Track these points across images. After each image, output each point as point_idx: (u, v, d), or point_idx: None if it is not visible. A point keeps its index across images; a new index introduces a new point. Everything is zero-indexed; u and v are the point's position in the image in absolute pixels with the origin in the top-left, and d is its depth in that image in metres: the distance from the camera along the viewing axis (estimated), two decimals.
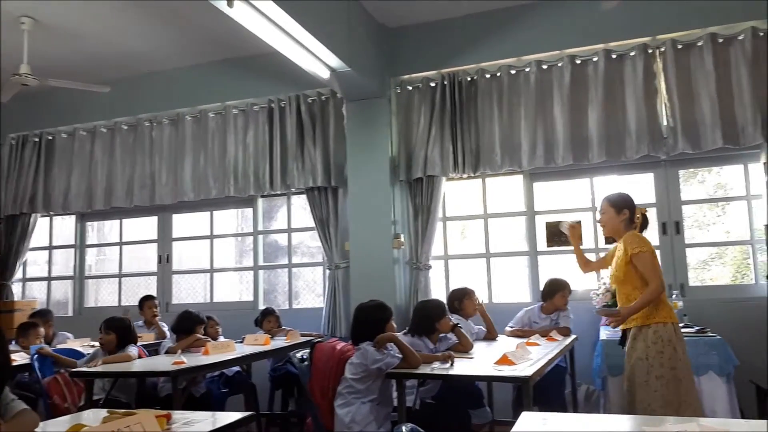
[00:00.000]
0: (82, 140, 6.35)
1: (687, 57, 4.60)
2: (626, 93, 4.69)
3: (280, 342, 4.52)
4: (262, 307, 5.83)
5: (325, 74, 4.60)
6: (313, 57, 4.33)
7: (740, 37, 4.47)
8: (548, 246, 4.91)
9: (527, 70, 4.96)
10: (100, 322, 3.90)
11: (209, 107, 5.91)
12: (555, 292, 4.34)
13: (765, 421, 1.69)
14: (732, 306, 4.44)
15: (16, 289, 6.49)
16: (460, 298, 4.16)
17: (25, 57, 4.84)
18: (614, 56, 4.76)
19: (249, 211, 6.06)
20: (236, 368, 4.57)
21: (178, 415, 2.09)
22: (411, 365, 2.96)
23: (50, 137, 6.47)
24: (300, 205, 5.86)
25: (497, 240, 5.28)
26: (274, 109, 5.63)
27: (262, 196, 5.93)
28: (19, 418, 1.95)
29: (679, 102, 4.54)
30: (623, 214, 3.20)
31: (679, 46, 4.60)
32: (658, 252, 4.71)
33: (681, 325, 4.16)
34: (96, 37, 5.28)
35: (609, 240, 3.45)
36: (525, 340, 3.73)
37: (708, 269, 5.08)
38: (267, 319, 4.98)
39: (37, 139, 6.48)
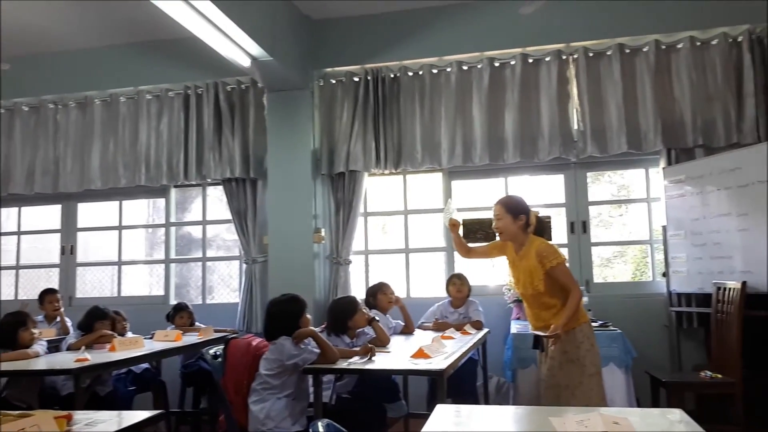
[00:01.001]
0: None
1: (597, 65, 4.85)
2: (541, 97, 4.88)
3: (192, 338, 4.37)
4: (173, 301, 5.61)
5: (245, 62, 4.49)
6: (234, 44, 4.21)
7: (645, 49, 4.76)
8: (467, 242, 5.05)
9: (448, 70, 5.06)
10: None
11: (120, 91, 5.62)
12: (448, 284, 4.57)
13: (658, 409, 1.81)
14: (632, 301, 4.74)
15: None
16: (374, 294, 4.21)
17: None
18: (531, 60, 4.94)
19: (161, 201, 5.82)
20: (145, 365, 4.38)
21: (81, 416, 1.98)
22: (329, 360, 2.95)
23: None
24: (216, 196, 5.69)
25: (417, 236, 5.36)
26: (191, 96, 5.43)
27: (176, 186, 5.71)
28: None
29: (589, 107, 4.78)
30: (519, 219, 3.16)
31: (591, 54, 4.84)
32: (565, 251, 5.01)
33: None
34: None
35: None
36: (440, 333, 3.82)
37: (611, 267, 5.40)
38: (179, 315, 4.80)
39: None
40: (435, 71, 5.10)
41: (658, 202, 4.86)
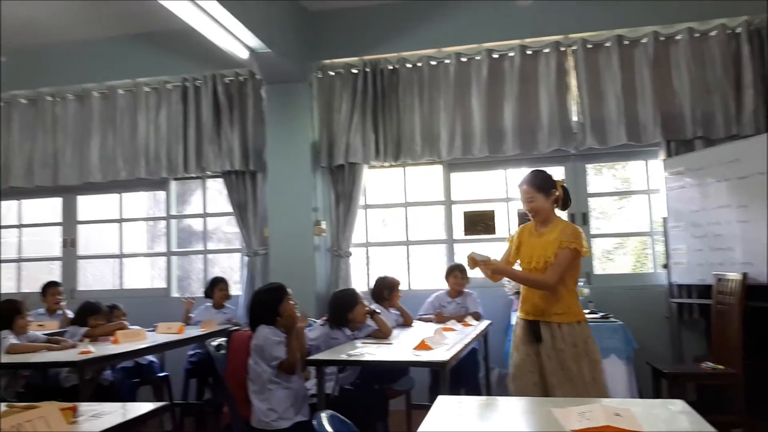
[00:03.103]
0: None
1: (596, 56, 4.84)
2: (540, 88, 4.88)
3: (194, 331, 4.39)
4: (175, 294, 5.65)
5: (243, 54, 4.48)
6: (232, 36, 4.20)
7: (644, 41, 4.75)
8: (466, 234, 5.07)
9: (447, 61, 5.05)
10: None
11: (119, 83, 5.60)
12: (449, 274, 4.56)
13: (659, 400, 1.83)
14: (632, 293, 4.75)
15: None
16: (390, 288, 4.23)
17: None
18: (529, 52, 4.93)
19: (161, 194, 5.82)
20: (150, 357, 4.40)
21: (86, 407, 1.99)
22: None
23: None
24: (216, 189, 5.69)
25: (416, 228, 5.37)
26: (189, 88, 5.42)
27: (176, 179, 5.71)
28: None
29: (588, 99, 4.78)
30: (552, 194, 2.99)
31: (589, 46, 4.83)
32: None
33: (587, 311, 4.44)
34: None
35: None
36: (442, 325, 3.84)
37: (611, 258, 5.42)
38: (218, 287, 4.82)
39: None
40: (434, 63, 5.09)
41: (658, 193, 4.87)
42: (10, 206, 6.16)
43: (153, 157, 5.47)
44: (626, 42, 4.79)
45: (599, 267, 5.12)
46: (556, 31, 4.83)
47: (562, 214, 3.19)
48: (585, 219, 5.03)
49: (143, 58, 5.48)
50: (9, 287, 5.99)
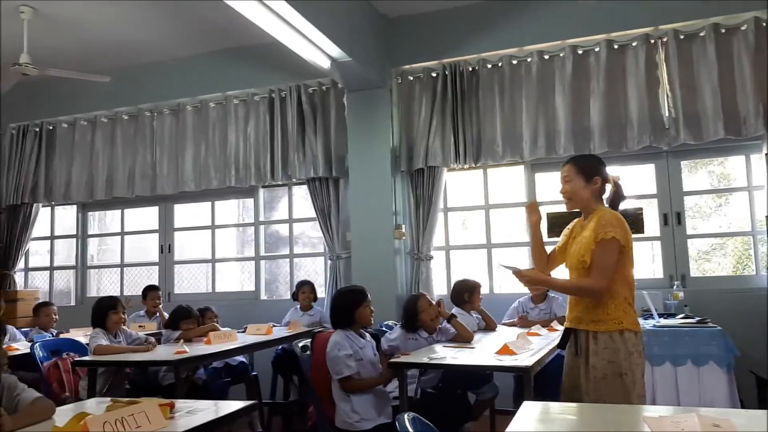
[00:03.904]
0: (82, 130, 6.35)
1: (689, 47, 4.58)
2: (628, 83, 4.68)
3: (282, 332, 4.54)
4: (264, 297, 5.86)
5: (325, 64, 4.59)
6: (314, 47, 4.32)
7: (743, 28, 4.45)
8: (549, 236, 4.93)
9: (529, 60, 4.95)
10: None
11: (210, 97, 5.90)
12: None
13: (765, 410, 1.70)
14: (732, 297, 4.44)
15: (18, 278, 6.52)
16: (470, 291, 4.17)
17: (25, 46, 4.82)
18: (616, 46, 4.74)
19: (250, 201, 6.07)
20: (240, 358, 4.59)
21: (182, 404, 2.11)
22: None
23: (51, 127, 6.47)
24: (301, 195, 5.86)
25: (498, 230, 5.28)
26: (275, 99, 5.62)
27: (263, 187, 5.93)
28: (34, 407, 1.97)
29: (681, 92, 4.53)
30: (594, 183, 2.56)
31: (682, 37, 4.58)
32: (658, 244, 4.78)
33: (681, 316, 4.20)
34: (96, 27, 5.26)
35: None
36: (526, 330, 3.75)
37: (709, 260, 5.09)
38: (302, 290, 5.00)
39: (37, 129, 6.47)
40: (515, 62, 5.00)
41: (761, 190, 4.53)
42: (114, 215, 6.64)
43: (242, 166, 5.71)
44: (723, 30, 4.49)
45: (696, 269, 4.82)
46: (645, 23, 4.61)
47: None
48: (679, 218, 4.76)
49: (232, 73, 5.75)
50: (113, 291, 6.44)
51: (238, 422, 2.14)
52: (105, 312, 3.77)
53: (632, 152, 4.72)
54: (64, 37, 5.39)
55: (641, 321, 4.05)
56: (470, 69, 5.09)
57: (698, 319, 4.02)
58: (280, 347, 4.74)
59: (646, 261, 4.94)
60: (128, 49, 5.75)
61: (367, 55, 4.82)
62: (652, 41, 4.65)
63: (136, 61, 6.01)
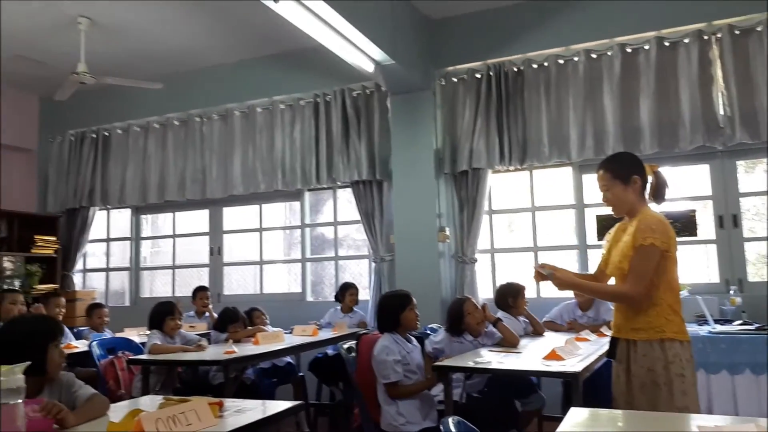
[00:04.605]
0: (136, 136, 6.57)
1: (745, 43, 4.41)
2: (680, 82, 4.53)
3: (327, 333, 4.59)
4: (310, 298, 5.94)
5: (369, 68, 4.62)
6: (358, 50, 4.35)
7: None
8: (599, 239, 4.82)
9: (576, 59, 4.86)
10: None
11: (257, 102, 6.01)
12: None
13: None
14: None
15: (77, 279, 6.80)
16: (515, 295, 4.11)
17: (82, 56, 5.03)
18: (667, 44, 4.60)
19: (296, 204, 6.15)
20: (287, 359, 4.66)
21: (230, 403, 2.16)
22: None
23: (106, 133, 6.72)
24: (346, 198, 5.91)
25: (545, 233, 5.20)
26: (320, 104, 5.69)
27: (309, 190, 6.01)
28: (92, 403, 2.06)
29: (736, 90, 4.36)
30: (633, 182, 2.44)
31: (737, 32, 4.41)
32: (713, 247, 4.60)
33: (739, 322, 4.03)
34: (148, 35, 5.45)
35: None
36: (574, 335, 3.68)
37: None
38: (349, 292, 5.07)
39: (94, 135, 6.73)
40: (561, 62, 4.91)
41: None
42: (166, 218, 6.84)
43: (288, 169, 5.80)
44: None
45: (754, 273, 4.63)
46: (697, 19, 4.47)
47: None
48: (736, 221, 4.58)
49: (278, 78, 5.85)
50: (165, 291, 6.64)
51: (285, 422, 2.18)
52: (163, 317, 3.90)
53: (685, 152, 4.58)
54: (118, 46, 5.60)
55: (695, 327, 3.93)
56: (515, 69, 5.03)
57: (757, 325, 3.85)
58: (320, 353, 4.78)
59: (701, 265, 4.77)
60: (179, 57, 5.93)
61: (410, 57, 4.82)
62: (706, 37, 4.50)
63: (186, 68, 6.19)
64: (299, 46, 5.44)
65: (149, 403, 2.25)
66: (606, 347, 3.31)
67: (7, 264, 6.44)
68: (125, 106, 6.51)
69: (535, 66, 4.99)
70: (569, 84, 4.86)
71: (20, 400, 1.56)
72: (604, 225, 4.63)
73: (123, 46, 5.61)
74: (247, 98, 6.02)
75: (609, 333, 3.83)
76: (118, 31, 5.32)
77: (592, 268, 4.35)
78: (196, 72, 6.22)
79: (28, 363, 1.64)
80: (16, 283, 6.31)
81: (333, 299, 5.29)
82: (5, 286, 6.06)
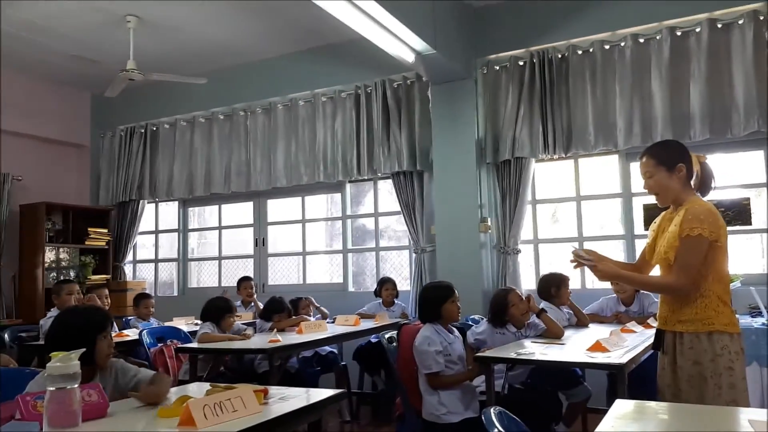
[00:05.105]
0: (182, 130, 6.73)
1: None
2: (733, 65, 4.36)
3: (369, 323, 4.63)
4: (351, 288, 5.99)
5: (410, 58, 4.60)
6: (398, 41, 4.34)
7: None
8: (646, 229, 4.69)
9: (622, 44, 4.72)
10: (202, 301, 4.14)
11: (299, 95, 6.07)
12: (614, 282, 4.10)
13: None
14: None
15: (128, 270, 7.04)
16: (558, 285, 4.03)
17: (131, 53, 5.18)
18: (720, 26, 4.43)
19: (338, 196, 6.20)
20: (329, 348, 4.72)
21: (275, 391, 2.20)
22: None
23: (154, 128, 6.91)
24: (386, 189, 5.92)
25: (591, 223, 5.09)
26: (361, 95, 5.70)
27: (350, 181, 6.04)
28: (160, 378, 2.21)
29: None
30: (678, 171, 2.35)
31: None
32: (766, 236, 4.42)
33: None
34: (193, 31, 5.57)
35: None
36: (620, 326, 3.61)
37: None
38: (385, 287, 5.11)
39: (143, 130, 6.94)
40: (607, 47, 4.79)
41: None
42: (212, 210, 7.00)
43: (330, 162, 5.84)
44: None
45: None
46: None
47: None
48: None
49: (320, 70, 5.89)
50: (212, 282, 6.81)
51: (328, 410, 2.21)
52: (222, 313, 3.97)
53: (738, 138, 4.40)
54: (165, 42, 5.74)
55: (748, 319, 3.79)
56: (559, 56, 4.93)
57: None
58: (365, 341, 4.82)
59: (755, 255, 4.59)
60: (223, 52, 6.04)
61: (451, 46, 4.78)
62: (762, 18, 4.30)
63: (231, 63, 6.30)
64: (340, 38, 5.47)
65: (197, 389, 2.31)
66: (652, 339, 3.25)
67: (63, 255, 6.73)
68: (172, 102, 6.68)
69: (579, 52, 4.88)
70: (616, 70, 4.73)
71: (76, 385, 1.63)
72: (650, 214, 4.50)
73: (169, 42, 5.75)
74: (290, 92, 6.08)
75: (656, 324, 3.76)
76: (164, 28, 5.46)
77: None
78: (240, 67, 6.33)
79: (83, 350, 1.71)
80: (72, 274, 6.59)
81: (374, 290, 5.31)
82: (61, 277, 6.35)
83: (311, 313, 4.93)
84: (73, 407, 1.61)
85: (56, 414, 1.58)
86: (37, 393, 1.76)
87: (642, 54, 4.66)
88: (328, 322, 4.47)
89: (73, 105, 7.08)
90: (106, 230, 6.87)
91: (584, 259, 2.42)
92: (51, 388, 1.59)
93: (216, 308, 4.00)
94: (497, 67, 5.17)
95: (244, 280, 5.52)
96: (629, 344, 3.01)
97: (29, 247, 6.38)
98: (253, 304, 5.39)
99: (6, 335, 4.73)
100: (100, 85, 6.18)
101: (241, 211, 6.74)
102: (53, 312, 4.42)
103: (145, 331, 4.34)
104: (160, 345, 4.20)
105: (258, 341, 3.82)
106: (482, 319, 3.88)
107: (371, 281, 6.00)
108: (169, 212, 7.19)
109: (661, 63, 4.56)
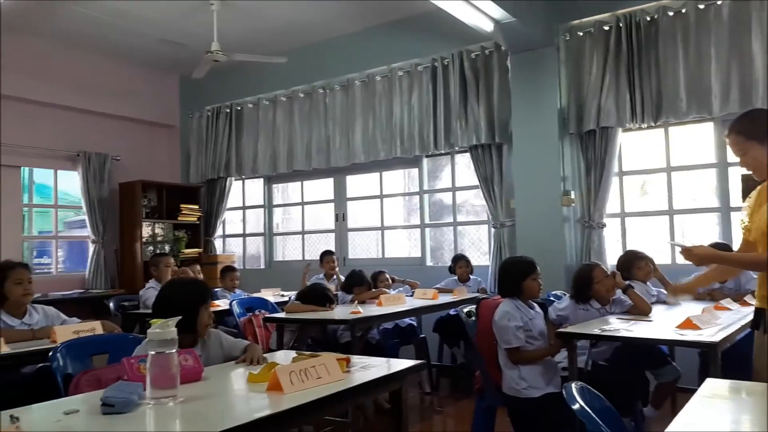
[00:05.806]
0: (265, 109, 6.93)
1: None
2: None
3: (448, 297, 4.65)
4: (429, 263, 6.01)
5: (488, 27, 4.50)
6: (476, 10, 4.25)
7: None
8: (744, 201, 4.40)
9: (719, 3, 4.40)
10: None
11: (376, 71, 6.08)
12: None
13: None
14: None
15: (218, 244, 7.40)
16: (628, 267, 3.88)
17: (215, 35, 5.37)
18: None
19: (415, 171, 6.21)
20: (409, 320, 4.78)
21: (357, 360, 2.27)
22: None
23: (239, 108, 7.16)
24: (464, 163, 5.86)
25: (682, 195, 4.83)
26: (438, 68, 5.64)
27: (427, 156, 6.02)
28: (253, 348, 2.38)
29: None
30: None
31: None
32: None
33: None
34: (274, 12, 5.69)
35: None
36: (713, 303, 3.43)
37: None
38: (459, 264, 5.14)
39: (228, 110, 7.20)
40: (701, 6, 4.47)
41: None
42: (295, 187, 7.21)
43: (407, 136, 5.85)
44: None
45: None
46: None
47: None
48: None
49: (396, 45, 5.87)
50: (296, 256, 7.03)
51: (408, 380, 2.25)
52: (323, 301, 3.99)
53: None
54: (246, 23, 5.90)
55: None
56: (648, 19, 4.66)
57: None
58: (444, 314, 4.84)
59: None
60: (301, 30, 6.14)
61: (531, 13, 4.62)
62: None
63: (308, 41, 6.40)
64: (416, 10, 5.42)
65: (283, 357, 2.42)
66: (749, 318, 3.07)
67: (159, 230, 7.17)
68: (254, 82, 6.88)
69: (671, 14, 4.59)
70: (711, 31, 4.42)
71: (174, 350, 1.75)
72: (749, 185, 4.20)
73: (250, 23, 5.91)
74: (367, 67, 6.11)
75: (753, 302, 3.54)
76: (245, 9, 5.61)
77: (735, 231, 4.01)
78: (318, 44, 6.41)
79: (179, 318, 1.83)
80: (167, 248, 7.01)
81: (449, 267, 5.31)
82: (158, 251, 6.77)
83: (390, 287, 5.01)
84: (171, 370, 1.73)
85: (157, 376, 1.71)
86: (140, 356, 1.91)
87: (741, 12, 4.31)
88: (407, 296, 4.53)
89: (163, 87, 7.45)
90: (197, 206, 7.24)
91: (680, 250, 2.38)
92: (152, 353, 1.72)
93: (315, 293, 4.07)
94: (581, 33, 4.96)
95: (326, 254, 5.67)
96: (723, 322, 2.86)
97: (128, 222, 6.84)
98: (335, 277, 5.53)
99: (111, 304, 5.12)
100: (187, 68, 6.45)
101: (323, 187, 6.89)
102: (152, 283, 4.74)
103: (235, 301, 4.57)
104: (249, 315, 4.41)
105: (340, 312, 3.93)
106: (564, 294, 3.79)
107: (449, 255, 5.97)
108: (255, 189, 7.46)
109: (762, 21, 4.21)
